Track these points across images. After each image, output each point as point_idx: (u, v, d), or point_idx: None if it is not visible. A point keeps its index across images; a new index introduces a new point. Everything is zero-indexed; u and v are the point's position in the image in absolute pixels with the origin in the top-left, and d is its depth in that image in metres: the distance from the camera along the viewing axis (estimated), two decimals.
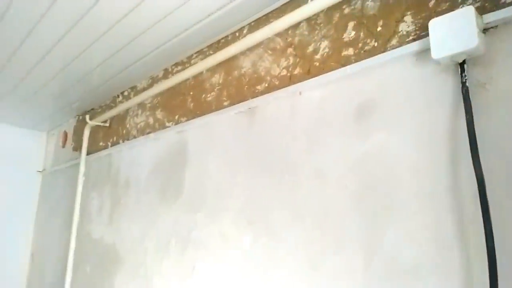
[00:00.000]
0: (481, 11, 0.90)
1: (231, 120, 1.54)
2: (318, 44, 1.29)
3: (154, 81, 2.14)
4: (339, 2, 1.22)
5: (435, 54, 0.91)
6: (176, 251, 1.65)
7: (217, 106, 1.64)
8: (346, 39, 1.21)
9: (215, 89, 1.68)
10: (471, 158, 0.84)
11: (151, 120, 2.07)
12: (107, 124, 2.48)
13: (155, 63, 1.99)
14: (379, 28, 1.13)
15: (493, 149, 0.85)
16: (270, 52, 1.46)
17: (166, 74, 2.04)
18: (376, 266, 0.99)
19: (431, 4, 1.02)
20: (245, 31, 1.60)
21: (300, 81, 1.31)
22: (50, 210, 3.03)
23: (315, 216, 1.16)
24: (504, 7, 0.88)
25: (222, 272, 1.41)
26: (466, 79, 0.89)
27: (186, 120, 1.80)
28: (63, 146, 3.04)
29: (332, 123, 1.18)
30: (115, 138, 2.38)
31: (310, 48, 1.32)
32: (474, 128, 0.85)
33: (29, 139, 3.30)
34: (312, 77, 1.27)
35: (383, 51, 1.09)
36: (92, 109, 2.73)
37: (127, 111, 2.29)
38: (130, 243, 1.97)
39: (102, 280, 2.12)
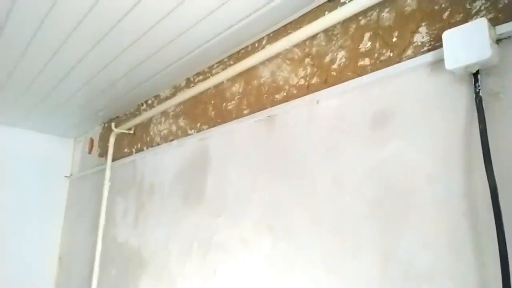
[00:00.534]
0: (494, 22, 0.92)
1: (250, 128, 1.59)
2: (335, 54, 1.33)
3: (176, 90, 2.20)
4: (355, 14, 1.25)
5: (449, 64, 0.93)
6: (199, 255, 1.70)
7: (237, 114, 1.69)
8: (362, 50, 1.24)
9: (236, 98, 1.73)
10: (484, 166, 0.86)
11: (174, 128, 2.14)
12: (132, 132, 2.56)
13: (177, 73, 2.06)
14: (394, 39, 1.15)
15: (506, 157, 0.86)
16: (288, 62, 1.51)
17: (188, 83, 2.11)
18: (392, 271, 1.01)
19: (445, 15, 1.04)
20: (264, 42, 1.65)
21: (317, 90, 1.35)
22: (77, 215, 3.12)
23: (332, 222, 1.19)
24: None
25: (242, 276, 1.45)
26: (479, 89, 0.91)
27: (208, 128, 1.85)
28: (90, 153, 3.13)
29: (349, 131, 1.21)
30: (139, 145, 2.45)
31: (327, 58, 1.35)
32: (487, 137, 0.87)
33: (57, 146, 3.40)
34: (329, 87, 1.31)
35: (399, 61, 1.12)
36: (117, 117, 2.82)
37: (151, 119, 2.37)
38: (154, 247, 2.03)
39: (127, 282, 2.18)
